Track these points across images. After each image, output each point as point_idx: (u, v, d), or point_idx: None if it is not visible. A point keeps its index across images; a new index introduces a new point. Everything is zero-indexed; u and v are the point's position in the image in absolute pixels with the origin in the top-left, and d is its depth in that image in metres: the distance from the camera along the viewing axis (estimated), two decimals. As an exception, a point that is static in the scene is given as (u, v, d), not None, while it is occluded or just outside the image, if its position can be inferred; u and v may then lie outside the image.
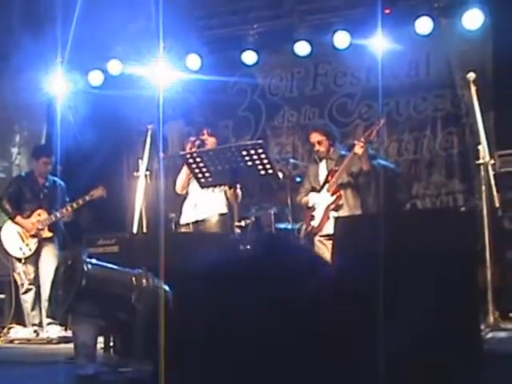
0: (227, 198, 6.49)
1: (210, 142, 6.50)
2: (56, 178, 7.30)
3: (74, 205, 7.05)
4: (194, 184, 6.34)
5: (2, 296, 8.30)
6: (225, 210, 6.50)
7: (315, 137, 6.63)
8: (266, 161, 5.32)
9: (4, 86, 8.57)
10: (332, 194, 6.43)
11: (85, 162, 7.86)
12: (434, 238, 3.98)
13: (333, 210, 6.43)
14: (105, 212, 7.75)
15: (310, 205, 6.58)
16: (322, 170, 6.65)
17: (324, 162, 6.66)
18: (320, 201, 6.50)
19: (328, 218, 6.42)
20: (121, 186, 8.40)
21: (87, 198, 7.07)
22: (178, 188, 6.62)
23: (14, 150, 8.91)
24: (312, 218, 6.53)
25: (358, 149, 6.23)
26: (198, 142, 6.42)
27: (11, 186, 7.31)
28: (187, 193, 6.63)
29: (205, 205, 6.47)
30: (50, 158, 7.19)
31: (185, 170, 6.42)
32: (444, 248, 3.75)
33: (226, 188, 6.30)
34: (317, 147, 6.64)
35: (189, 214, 6.58)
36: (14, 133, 8.90)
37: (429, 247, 3.75)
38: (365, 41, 7.51)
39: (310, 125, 7.37)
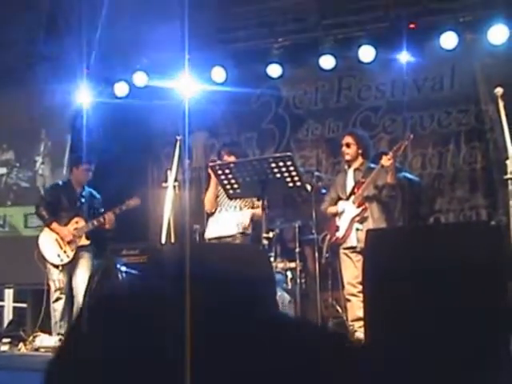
0: (252, 219, 6.50)
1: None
2: (92, 190, 7.31)
3: (111, 214, 7.05)
4: (222, 200, 6.40)
5: (25, 305, 8.35)
6: (248, 230, 6.50)
7: (346, 139, 6.64)
8: (294, 173, 5.37)
9: (29, 96, 8.62)
10: (358, 206, 6.42)
11: (108, 173, 7.89)
12: (465, 252, 3.98)
13: (357, 222, 6.43)
14: (127, 222, 7.77)
15: (339, 211, 6.55)
16: (350, 180, 6.62)
17: (352, 171, 6.63)
18: (346, 211, 6.51)
19: (352, 229, 6.44)
20: (145, 196, 8.42)
21: (123, 207, 7.09)
22: (207, 207, 6.60)
23: (38, 160, 8.96)
24: (337, 228, 6.53)
25: (386, 161, 6.20)
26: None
27: (48, 193, 7.33)
28: (217, 208, 6.60)
29: (230, 222, 6.47)
30: (90, 166, 7.21)
31: (211, 189, 6.47)
32: (476, 262, 3.74)
33: (253, 203, 6.36)
34: (343, 148, 6.63)
35: (213, 229, 6.56)
36: (39, 143, 8.93)
37: (460, 261, 3.75)
38: (390, 55, 7.55)
39: (348, 130, 7.40)
